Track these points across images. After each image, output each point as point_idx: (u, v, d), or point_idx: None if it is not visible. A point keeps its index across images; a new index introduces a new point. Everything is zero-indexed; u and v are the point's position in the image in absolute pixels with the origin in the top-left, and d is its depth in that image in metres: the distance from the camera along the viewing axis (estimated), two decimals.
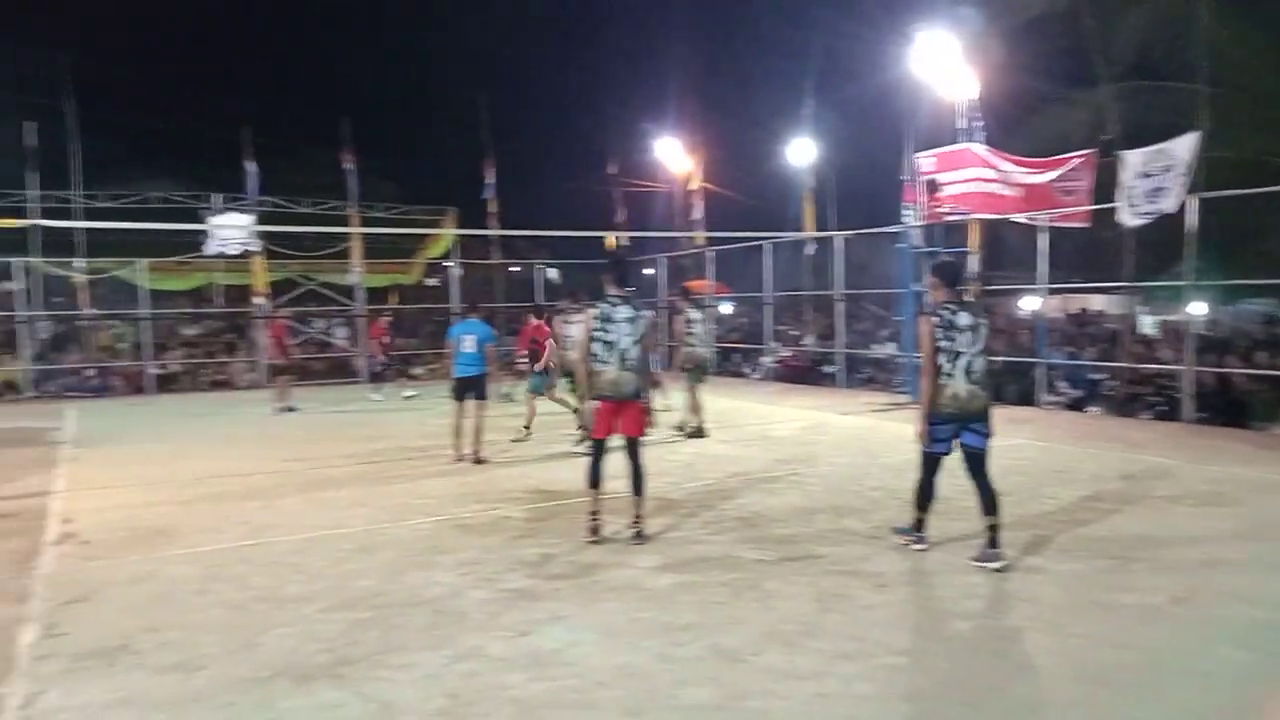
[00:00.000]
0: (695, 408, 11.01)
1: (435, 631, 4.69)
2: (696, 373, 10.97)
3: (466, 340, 9.47)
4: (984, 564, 5.49)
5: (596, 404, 6.19)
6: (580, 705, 3.82)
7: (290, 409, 15.09)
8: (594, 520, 6.28)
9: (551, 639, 4.56)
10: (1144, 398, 12.66)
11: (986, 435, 5.60)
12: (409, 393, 17.11)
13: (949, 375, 5.55)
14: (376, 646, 4.50)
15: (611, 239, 18.94)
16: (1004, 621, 4.67)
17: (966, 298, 6.01)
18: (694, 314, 11.00)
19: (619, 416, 6.20)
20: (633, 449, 6.30)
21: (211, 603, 5.24)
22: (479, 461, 9.41)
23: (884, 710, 3.73)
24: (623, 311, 6.14)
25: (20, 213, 18.37)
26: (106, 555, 6.33)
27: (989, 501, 5.58)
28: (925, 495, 5.88)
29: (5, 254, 18.23)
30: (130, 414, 15.70)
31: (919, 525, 5.95)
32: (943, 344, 5.56)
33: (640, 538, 6.17)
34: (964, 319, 5.59)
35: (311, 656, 4.39)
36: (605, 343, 6.11)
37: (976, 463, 5.63)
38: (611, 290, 6.26)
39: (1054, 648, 4.33)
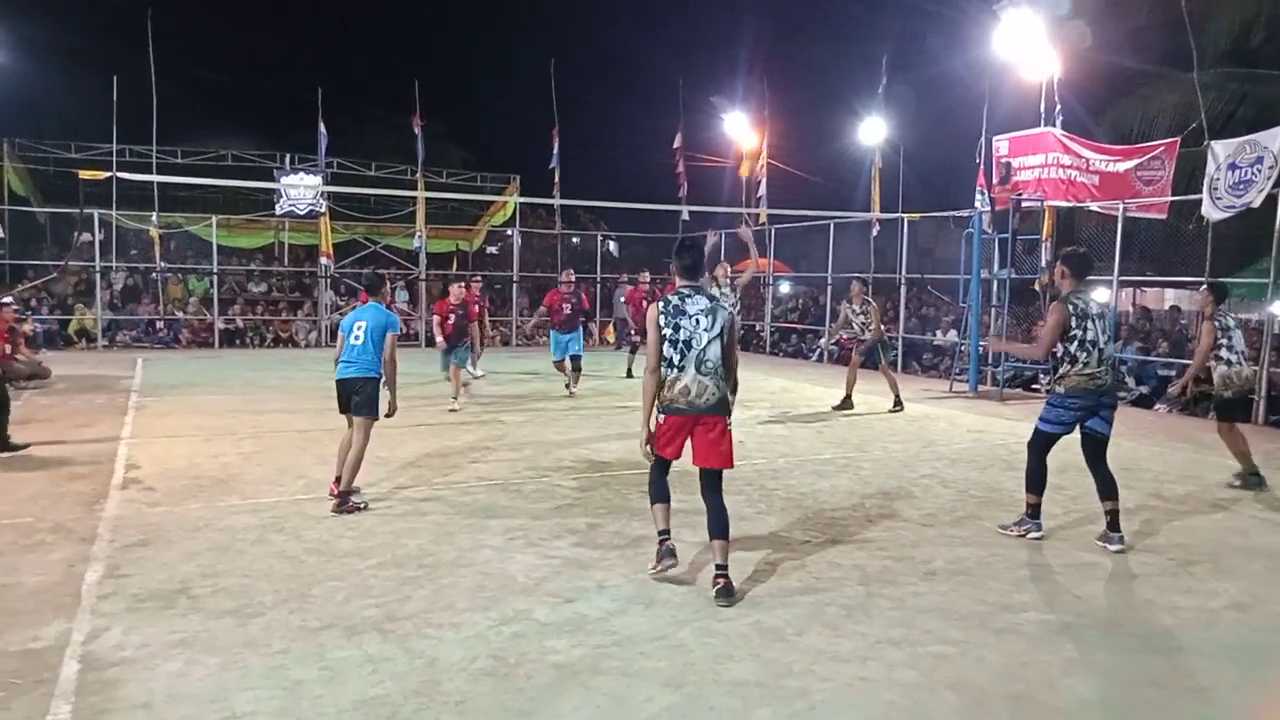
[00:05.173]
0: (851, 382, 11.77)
1: (482, 593, 4.75)
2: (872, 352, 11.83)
3: (355, 330, 6.53)
4: (1105, 544, 5.78)
5: (660, 418, 4.85)
6: (621, 674, 3.84)
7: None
8: (664, 541, 5.00)
9: (596, 607, 4.59)
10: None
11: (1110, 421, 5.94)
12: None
13: (1081, 361, 5.72)
14: (424, 605, 4.58)
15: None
16: (1056, 617, 4.56)
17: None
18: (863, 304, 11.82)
19: (691, 436, 4.85)
20: (711, 484, 4.88)
21: (267, 553, 5.38)
22: (343, 498, 6.34)
23: (927, 698, 3.68)
24: (697, 303, 4.83)
25: (104, 166, 18.89)
26: (169, 502, 6.53)
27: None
28: (1039, 479, 5.99)
29: (87, 206, 18.76)
30: (196, 366, 16.13)
31: (1034, 511, 6.02)
32: (1075, 333, 5.70)
33: (726, 594, 4.68)
34: (1094, 307, 5.83)
35: (361, 610, 4.48)
36: (676, 342, 4.78)
37: (1099, 447, 5.90)
38: (682, 281, 4.98)
39: (1109, 646, 4.23)
